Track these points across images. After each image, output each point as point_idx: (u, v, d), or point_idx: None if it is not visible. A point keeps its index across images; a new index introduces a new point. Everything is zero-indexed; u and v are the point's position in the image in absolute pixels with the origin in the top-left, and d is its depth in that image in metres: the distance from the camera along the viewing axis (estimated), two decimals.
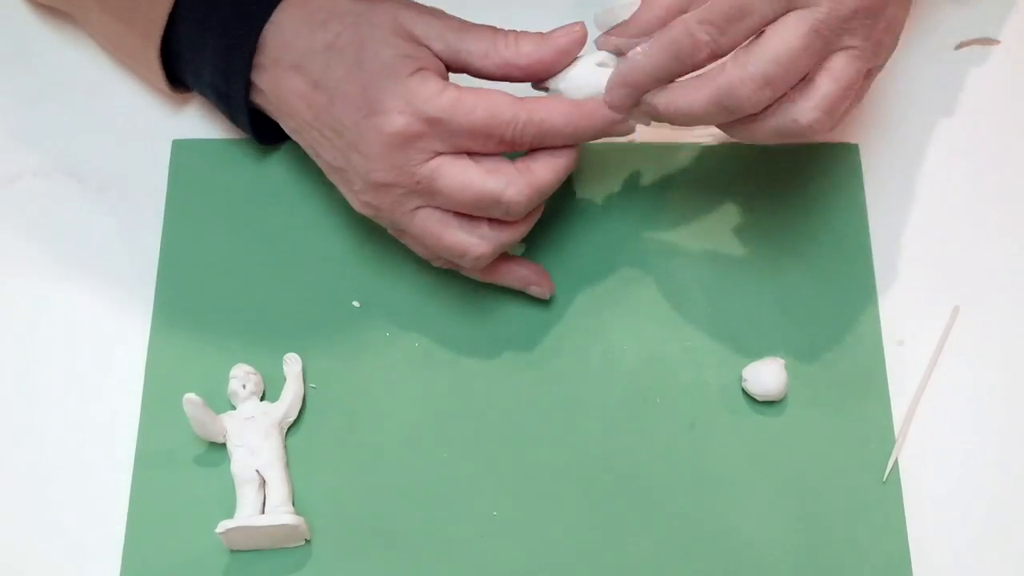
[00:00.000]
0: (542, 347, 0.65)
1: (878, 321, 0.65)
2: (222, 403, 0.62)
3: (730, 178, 0.68)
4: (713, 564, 0.60)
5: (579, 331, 0.65)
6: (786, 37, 0.53)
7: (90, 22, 0.67)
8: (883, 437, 0.62)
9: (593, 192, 0.68)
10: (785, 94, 0.55)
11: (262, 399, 0.63)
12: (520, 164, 0.58)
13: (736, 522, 0.61)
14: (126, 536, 0.60)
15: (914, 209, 0.69)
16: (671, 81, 0.57)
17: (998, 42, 0.73)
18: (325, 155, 0.60)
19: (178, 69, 0.65)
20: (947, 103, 0.71)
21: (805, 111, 0.55)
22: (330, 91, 0.58)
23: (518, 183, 0.57)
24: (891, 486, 0.61)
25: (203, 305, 0.65)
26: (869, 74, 0.58)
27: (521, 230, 0.60)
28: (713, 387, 0.64)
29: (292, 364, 0.63)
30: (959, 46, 0.73)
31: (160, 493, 0.61)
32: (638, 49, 0.57)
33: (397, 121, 0.56)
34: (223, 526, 0.58)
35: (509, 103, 0.57)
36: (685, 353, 0.65)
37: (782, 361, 0.63)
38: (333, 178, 0.61)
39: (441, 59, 0.58)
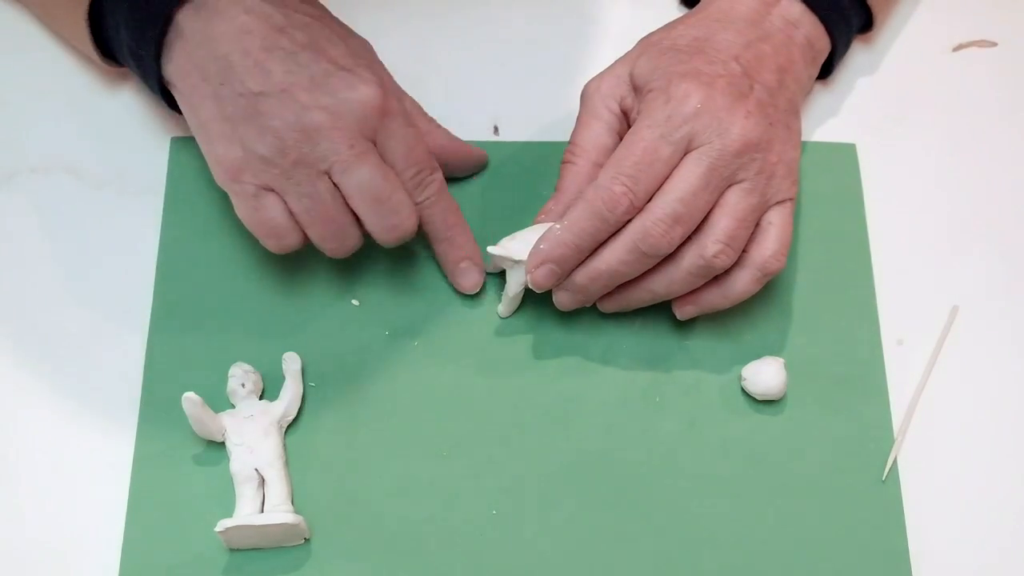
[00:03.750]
0: (541, 345, 0.65)
1: (877, 320, 0.65)
2: (221, 402, 0.62)
3: None
4: (712, 562, 0.60)
5: (579, 330, 0.65)
6: (686, 177, 0.58)
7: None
8: (882, 436, 0.63)
9: None
10: (690, 236, 0.59)
11: (261, 397, 0.62)
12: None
13: (735, 520, 0.61)
14: (125, 535, 0.60)
15: (912, 208, 0.69)
16: (594, 248, 0.59)
17: (995, 44, 0.73)
18: (246, 83, 0.58)
19: (107, 39, 0.64)
20: (944, 104, 0.72)
21: (707, 245, 0.58)
22: (302, 37, 0.58)
23: (415, 213, 0.60)
24: (890, 485, 0.62)
25: (202, 303, 0.65)
26: (784, 206, 0.61)
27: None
28: (713, 386, 0.64)
29: (291, 362, 0.62)
30: (957, 48, 0.74)
31: (159, 492, 0.60)
32: (555, 225, 0.59)
33: (373, 89, 0.58)
34: (222, 525, 0.58)
35: (435, 161, 0.62)
36: (685, 352, 0.65)
37: (781, 360, 0.63)
38: (226, 107, 0.58)
39: None
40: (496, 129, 0.70)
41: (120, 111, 0.69)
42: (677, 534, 0.60)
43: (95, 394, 0.63)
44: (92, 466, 0.61)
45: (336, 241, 0.60)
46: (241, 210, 0.60)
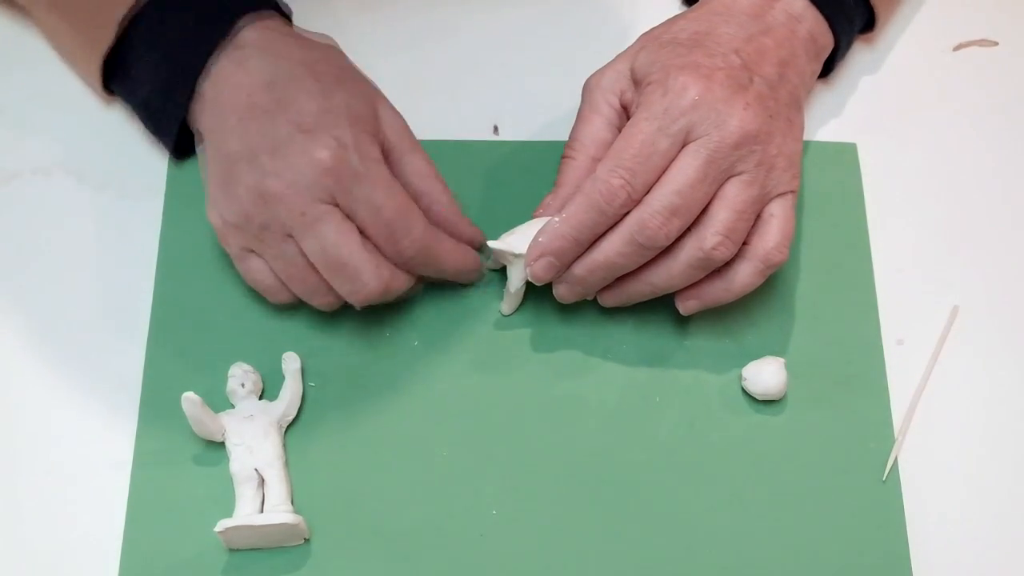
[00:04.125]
0: (541, 346, 0.64)
1: (877, 320, 0.65)
2: (221, 402, 0.62)
3: None
4: (712, 563, 0.60)
5: (579, 329, 0.65)
6: (684, 169, 0.57)
7: (39, 19, 0.67)
8: (882, 436, 0.62)
9: None
10: (690, 228, 0.58)
11: (261, 397, 0.62)
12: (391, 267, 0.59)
13: (735, 521, 0.61)
14: (125, 535, 0.59)
15: (913, 208, 0.69)
16: (592, 240, 0.59)
17: (996, 43, 0.73)
18: (228, 144, 0.59)
19: (113, 74, 0.65)
20: (945, 103, 0.72)
21: (706, 237, 0.58)
22: (281, 94, 0.59)
23: (382, 275, 0.58)
24: (891, 485, 0.61)
25: (201, 303, 0.64)
26: (785, 198, 0.60)
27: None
28: (713, 386, 0.64)
29: (291, 362, 0.62)
30: (957, 47, 0.74)
31: (159, 492, 0.60)
32: (554, 218, 0.59)
33: (325, 154, 0.57)
34: (222, 525, 0.58)
35: (416, 213, 0.59)
36: (685, 352, 0.64)
37: (782, 360, 0.63)
38: (214, 167, 0.60)
39: (383, 148, 0.61)
40: (496, 129, 0.70)
41: (121, 113, 0.69)
42: (677, 534, 0.60)
43: (95, 394, 0.63)
44: (92, 466, 0.61)
45: (319, 297, 0.60)
46: (238, 270, 0.62)
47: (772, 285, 0.65)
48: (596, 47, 0.67)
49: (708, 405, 0.63)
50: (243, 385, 0.61)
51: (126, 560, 0.59)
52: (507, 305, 0.64)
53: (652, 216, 0.57)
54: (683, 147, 0.58)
